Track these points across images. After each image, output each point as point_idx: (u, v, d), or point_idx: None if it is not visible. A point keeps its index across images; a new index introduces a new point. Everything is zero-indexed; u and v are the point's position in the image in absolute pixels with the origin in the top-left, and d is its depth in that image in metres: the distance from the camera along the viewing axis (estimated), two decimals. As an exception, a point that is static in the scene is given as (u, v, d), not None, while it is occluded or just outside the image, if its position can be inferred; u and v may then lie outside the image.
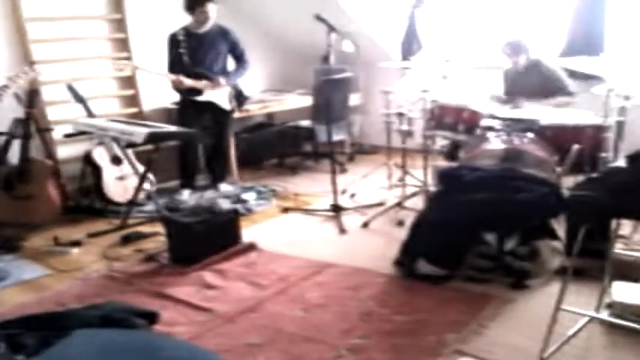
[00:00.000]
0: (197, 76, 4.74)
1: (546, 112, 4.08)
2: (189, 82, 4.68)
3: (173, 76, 4.66)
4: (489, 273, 3.10)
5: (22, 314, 2.57)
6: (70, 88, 4.70)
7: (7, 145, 4.29)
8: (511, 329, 2.67)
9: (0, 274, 3.56)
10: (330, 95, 4.69)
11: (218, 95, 4.88)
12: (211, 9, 4.66)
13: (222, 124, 5.07)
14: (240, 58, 4.99)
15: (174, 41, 4.76)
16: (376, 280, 3.26)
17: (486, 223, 3.04)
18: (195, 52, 4.74)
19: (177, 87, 4.73)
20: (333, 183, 4.41)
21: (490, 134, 3.94)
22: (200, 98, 4.79)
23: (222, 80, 4.83)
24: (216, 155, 5.20)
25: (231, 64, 5.03)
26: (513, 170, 3.29)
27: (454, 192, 3.22)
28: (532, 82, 4.48)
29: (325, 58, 4.23)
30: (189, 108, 4.88)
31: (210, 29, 4.79)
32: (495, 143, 3.79)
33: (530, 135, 3.78)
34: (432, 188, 4.20)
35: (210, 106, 4.89)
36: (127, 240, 4.06)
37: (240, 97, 5.06)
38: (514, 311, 2.83)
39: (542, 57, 4.63)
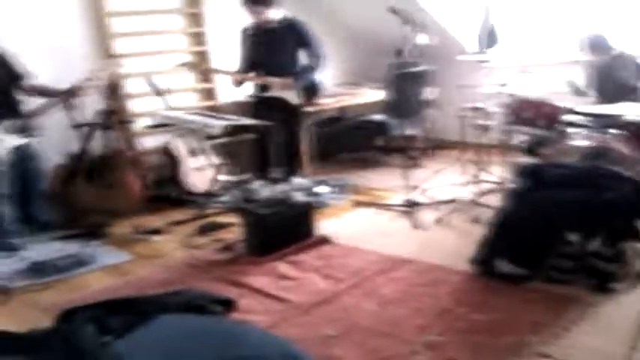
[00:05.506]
0: (266, 72, 4.77)
1: (631, 108, 3.90)
2: (238, 77, 4.75)
3: (231, 74, 4.76)
4: (572, 274, 2.99)
5: (107, 298, 2.68)
6: (149, 82, 4.84)
7: (90, 135, 4.48)
8: (595, 333, 2.57)
9: (87, 259, 3.73)
10: (404, 89, 4.62)
11: (285, 91, 4.91)
12: (267, 11, 4.65)
13: (293, 118, 5.08)
14: (312, 52, 4.93)
15: (244, 36, 4.82)
16: (452, 278, 3.21)
17: (570, 222, 2.94)
18: (264, 46, 4.77)
19: (239, 82, 4.81)
20: (407, 178, 4.37)
21: (571, 130, 3.81)
22: (268, 94, 4.83)
23: (291, 82, 4.84)
24: (288, 149, 5.23)
25: (303, 56, 5.00)
26: (599, 168, 3.17)
27: (537, 189, 3.13)
28: (622, 75, 4.29)
29: (399, 52, 4.17)
30: (261, 103, 4.94)
31: (279, 23, 4.79)
32: (580, 140, 3.67)
33: (614, 131, 3.63)
34: (511, 185, 4.09)
35: (280, 101, 4.93)
36: (204, 229, 4.16)
37: (311, 90, 5.06)
38: (598, 315, 2.72)
39: (625, 50, 4.43)
